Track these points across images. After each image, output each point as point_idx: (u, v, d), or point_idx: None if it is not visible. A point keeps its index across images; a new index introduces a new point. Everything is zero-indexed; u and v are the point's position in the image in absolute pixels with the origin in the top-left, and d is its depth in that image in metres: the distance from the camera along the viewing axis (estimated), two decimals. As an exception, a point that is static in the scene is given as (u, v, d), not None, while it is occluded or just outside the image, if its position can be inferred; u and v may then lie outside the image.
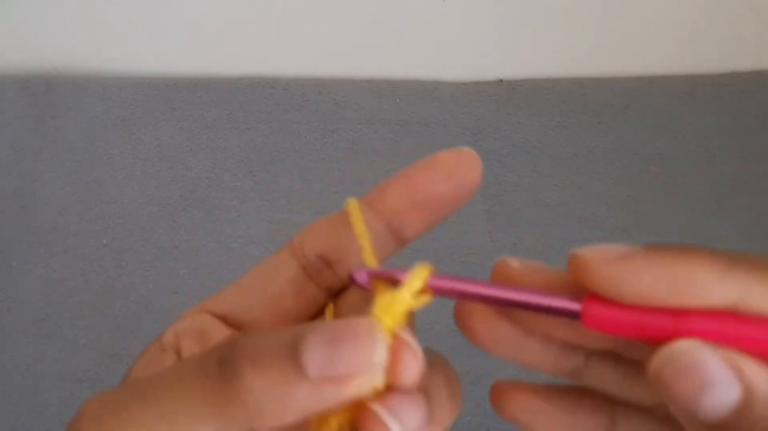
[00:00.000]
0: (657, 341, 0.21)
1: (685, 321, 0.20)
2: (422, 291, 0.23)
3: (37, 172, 0.71)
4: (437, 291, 0.23)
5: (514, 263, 0.24)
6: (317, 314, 0.27)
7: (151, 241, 0.67)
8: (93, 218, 0.68)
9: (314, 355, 0.20)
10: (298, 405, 0.20)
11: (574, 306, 0.22)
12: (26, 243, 0.67)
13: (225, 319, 0.26)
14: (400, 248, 0.26)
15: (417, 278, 0.23)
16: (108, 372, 0.61)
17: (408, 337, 0.21)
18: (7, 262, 0.66)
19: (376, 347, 0.20)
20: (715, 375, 0.20)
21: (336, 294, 0.27)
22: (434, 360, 0.23)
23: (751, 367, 0.20)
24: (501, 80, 0.77)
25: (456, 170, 0.25)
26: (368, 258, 0.25)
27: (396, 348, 0.21)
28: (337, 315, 0.26)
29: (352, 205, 0.27)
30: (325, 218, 0.27)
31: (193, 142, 0.72)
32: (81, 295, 0.64)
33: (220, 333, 0.26)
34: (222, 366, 0.20)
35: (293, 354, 0.20)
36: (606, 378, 0.25)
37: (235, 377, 0.20)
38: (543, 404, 0.26)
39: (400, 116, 0.74)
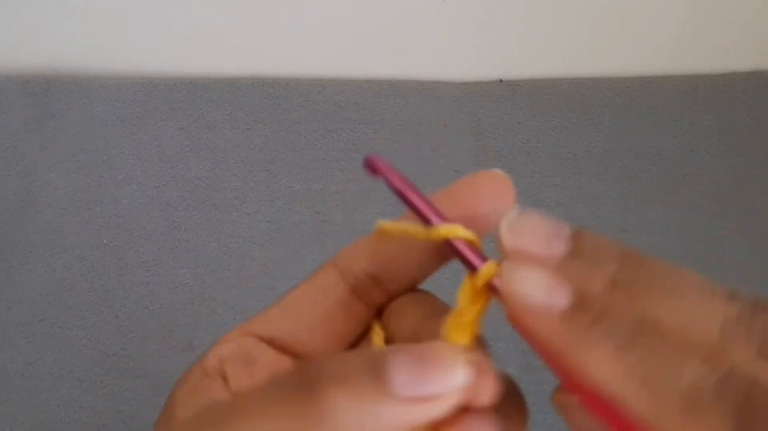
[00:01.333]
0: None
1: None
2: (483, 291, 0.24)
3: (37, 172, 0.71)
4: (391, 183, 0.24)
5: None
6: (364, 334, 0.27)
7: (151, 241, 0.67)
8: (93, 218, 0.68)
9: (401, 375, 0.20)
10: (380, 425, 0.20)
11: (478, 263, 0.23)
12: (26, 243, 0.67)
13: (271, 342, 0.26)
14: (443, 265, 0.26)
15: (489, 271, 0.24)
16: (108, 372, 0.61)
17: (484, 359, 0.22)
18: (7, 262, 0.66)
19: (462, 370, 0.21)
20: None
21: (379, 313, 0.27)
22: (502, 379, 0.23)
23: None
24: (501, 80, 0.77)
25: (496, 191, 0.26)
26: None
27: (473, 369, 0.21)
28: (387, 332, 0.26)
29: (388, 224, 0.26)
30: (365, 237, 0.27)
31: (193, 142, 0.72)
32: (81, 295, 0.64)
33: (267, 356, 0.25)
34: (304, 387, 0.20)
35: (378, 374, 0.20)
36: None
37: (319, 397, 0.20)
38: None
39: (400, 116, 0.74)
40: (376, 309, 0.27)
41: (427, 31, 0.76)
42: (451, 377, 0.20)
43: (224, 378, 0.25)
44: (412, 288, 0.27)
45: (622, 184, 0.70)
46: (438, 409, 0.20)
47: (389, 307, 0.27)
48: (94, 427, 0.59)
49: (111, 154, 0.72)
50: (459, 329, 0.23)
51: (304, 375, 0.21)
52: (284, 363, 0.26)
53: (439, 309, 0.25)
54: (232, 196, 0.69)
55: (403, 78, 0.77)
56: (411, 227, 0.25)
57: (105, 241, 0.67)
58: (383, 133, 0.73)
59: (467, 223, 0.25)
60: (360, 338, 0.27)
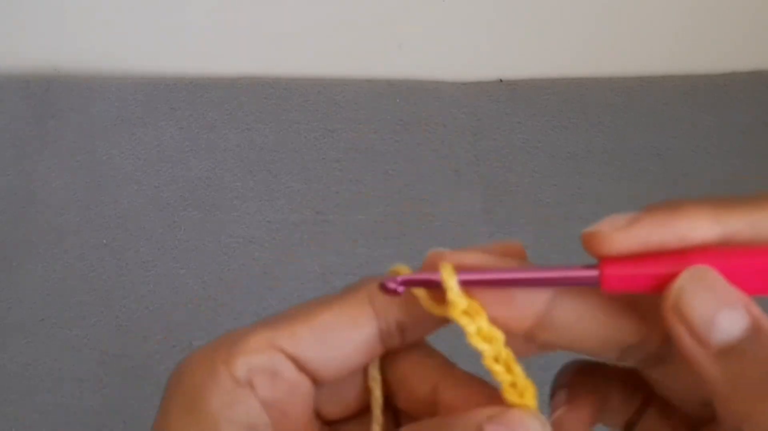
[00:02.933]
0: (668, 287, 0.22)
1: (691, 257, 0.22)
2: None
3: (37, 172, 0.71)
4: (468, 285, 0.24)
5: (444, 251, 0.25)
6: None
7: (151, 241, 0.67)
8: (93, 218, 0.68)
9: None
10: None
11: (591, 272, 0.23)
12: (26, 243, 0.67)
13: (295, 360, 0.26)
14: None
15: (448, 274, 0.24)
16: (108, 372, 0.61)
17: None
18: (7, 262, 0.66)
19: None
20: (731, 297, 0.22)
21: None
22: None
23: (753, 304, 0.22)
24: (501, 80, 0.77)
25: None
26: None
27: None
28: (385, 383, 0.27)
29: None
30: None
31: (193, 142, 0.72)
32: (81, 295, 0.64)
33: (291, 376, 0.26)
34: None
35: None
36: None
37: None
38: None
39: (400, 116, 0.74)
40: (390, 351, 0.27)
41: (427, 31, 0.76)
42: None
43: (252, 387, 0.25)
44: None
45: (622, 184, 0.70)
46: None
47: (400, 364, 0.28)
48: (94, 427, 0.59)
49: (111, 154, 0.72)
50: (516, 391, 0.24)
51: None
52: (303, 381, 0.26)
53: (448, 365, 0.27)
54: (232, 195, 0.69)
55: (403, 78, 0.77)
56: (423, 300, 0.26)
57: (105, 241, 0.67)
58: (383, 133, 0.73)
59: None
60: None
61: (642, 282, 0.23)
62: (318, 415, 0.28)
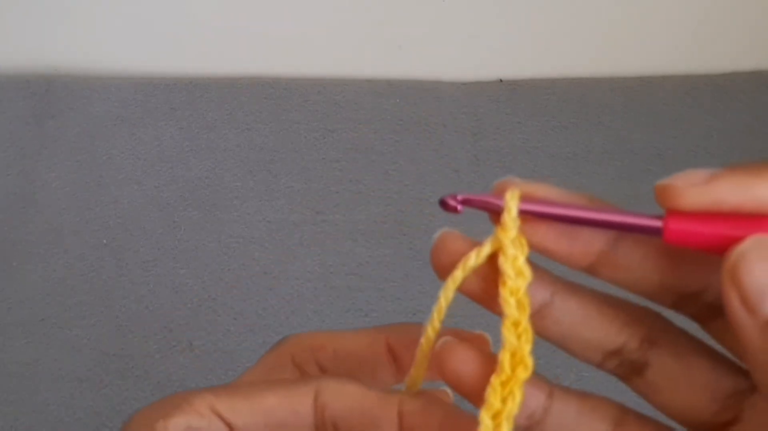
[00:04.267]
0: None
1: (760, 224, 0.22)
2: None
3: (37, 172, 0.71)
4: (528, 214, 0.24)
5: (516, 179, 0.25)
6: None
7: (151, 241, 0.67)
8: (93, 218, 0.68)
9: None
10: None
11: (655, 222, 0.23)
12: (26, 243, 0.67)
13: (229, 426, 0.26)
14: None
15: (514, 199, 0.24)
16: (108, 372, 0.61)
17: None
18: (7, 262, 0.66)
19: None
20: None
21: None
22: None
23: None
24: (501, 80, 0.77)
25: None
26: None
27: None
28: None
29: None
30: (357, 389, 0.27)
31: (193, 142, 0.72)
32: (81, 295, 0.64)
33: None
34: None
35: None
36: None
37: None
38: None
39: (400, 116, 0.74)
40: None
41: (427, 31, 0.76)
42: None
43: None
44: None
45: (622, 184, 0.70)
46: None
47: None
48: (94, 427, 0.59)
49: (111, 154, 0.72)
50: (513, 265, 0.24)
51: None
52: None
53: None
54: (232, 196, 0.69)
55: (403, 78, 0.77)
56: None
57: (105, 241, 0.67)
58: (383, 133, 0.73)
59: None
60: None
61: (706, 240, 0.22)
62: None
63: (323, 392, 0.26)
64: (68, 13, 0.75)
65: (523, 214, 0.24)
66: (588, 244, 0.24)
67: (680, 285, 0.24)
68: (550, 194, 0.25)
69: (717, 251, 0.22)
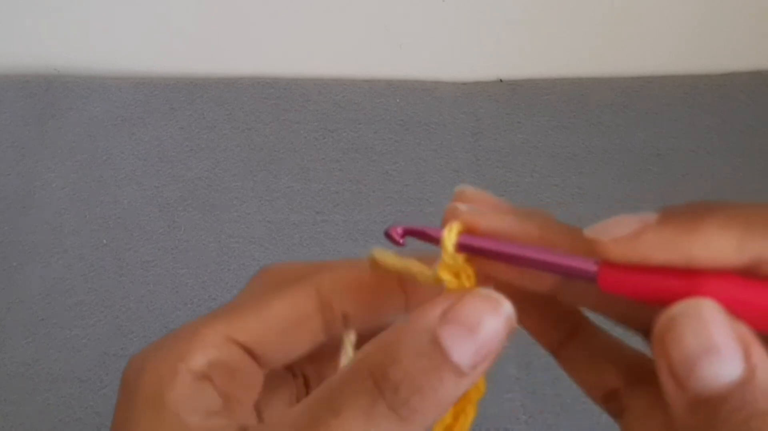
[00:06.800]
0: (669, 303, 0.20)
1: (699, 282, 0.20)
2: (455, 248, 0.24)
3: (37, 171, 0.71)
4: (465, 250, 0.24)
5: (463, 208, 0.24)
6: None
7: (151, 241, 0.67)
8: (93, 218, 0.68)
9: (464, 353, 0.21)
10: (454, 400, 0.22)
11: (590, 267, 0.22)
12: (26, 244, 0.67)
13: (250, 352, 0.26)
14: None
15: (452, 234, 0.23)
16: (108, 372, 0.61)
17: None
18: (7, 262, 0.66)
19: (506, 312, 0.22)
20: (724, 342, 0.19)
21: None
22: None
23: (758, 350, 0.20)
24: (501, 80, 0.77)
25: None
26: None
27: None
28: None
29: (386, 256, 0.26)
30: (351, 268, 0.27)
31: (193, 142, 0.72)
32: (81, 295, 0.64)
33: (246, 367, 0.26)
34: (389, 400, 0.21)
35: (444, 361, 0.21)
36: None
37: (405, 408, 0.21)
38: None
39: (400, 116, 0.74)
40: (334, 337, 0.27)
41: (427, 31, 0.76)
42: (500, 326, 0.21)
43: (213, 383, 0.25)
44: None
45: (622, 184, 0.70)
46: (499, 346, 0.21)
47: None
48: (94, 427, 0.59)
49: (111, 154, 0.72)
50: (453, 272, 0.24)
51: (386, 390, 0.21)
52: (255, 369, 0.26)
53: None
54: (232, 196, 0.69)
55: (403, 78, 0.77)
56: (412, 265, 0.25)
57: (105, 241, 0.67)
58: (383, 133, 0.73)
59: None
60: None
61: (640, 292, 0.21)
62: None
63: (323, 284, 0.26)
64: (68, 14, 0.75)
65: (461, 250, 0.23)
66: (538, 278, 0.24)
67: (632, 320, 0.24)
68: (496, 224, 0.24)
69: (654, 302, 0.21)
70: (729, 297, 0.20)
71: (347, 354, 0.27)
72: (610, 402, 0.26)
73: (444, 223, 0.24)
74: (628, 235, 0.21)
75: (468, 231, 0.24)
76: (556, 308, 0.26)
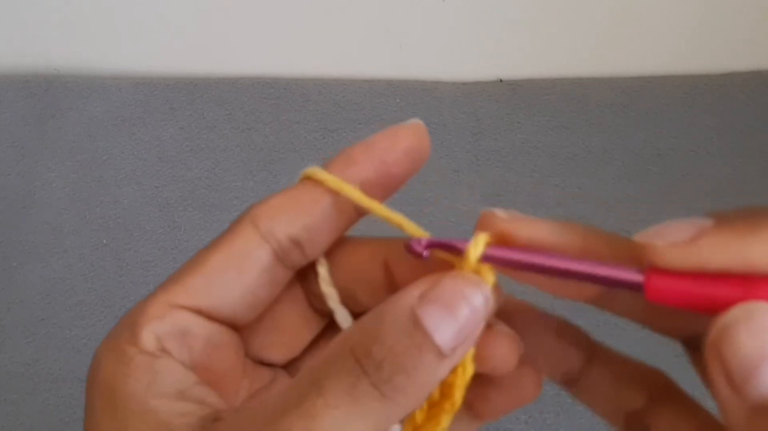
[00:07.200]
0: (721, 310, 0.20)
1: (754, 287, 0.19)
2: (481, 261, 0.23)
3: (37, 171, 0.71)
4: (494, 261, 0.23)
5: (502, 214, 0.24)
6: (283, 292, 0.27)
7: (151, 241, 0.67)
8: (93, 218, 0.68)
9: (444, 333, 0.21)
10: (436, 381, 0.22)
11: (636, 277, 0.21)
12: (26, 243, 0.67)
13: (199, 312, 0.25)
14: (359, 220, 0.27)
15: (479, 245, 0.23)
16: (108, 372, 0.61)
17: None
18: (7, 262, 0.66)
19: (484, 294, 0.22)
20: None
21: (301, 272, 0.27)
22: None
23: None
24: (501, 80, 0.77)
25: (415, 145, 0.27)
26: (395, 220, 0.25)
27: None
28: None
29: (322, 175, 0.26)
30: (284, 194, 0.26)
31: (193, 142, 0.72)
32: (81, 295, 0.64)
33: (201, 329, 0.25)
34: (372, 378, 0.21)
35: (430, 345, 0.21)
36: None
37: (388, 386, 0.21)
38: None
39: (400, 116, 0.74)
40: (296, 269, 0.26)
41: (427, 31, 0.76)
42: (478, 304, 0.21)
43: (170, 356, 0.24)
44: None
45: (622, 183, 0.70)
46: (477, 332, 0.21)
47: (346, 256, 0.27)
48: (94, 427, 0.59)
49: (111, 154, 0.72)
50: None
51: (368, 369, 0.21)
52: (218, 331, 0.25)
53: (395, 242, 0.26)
54: (232, 196, 0.69)
55: (403, 78, 0.77)
56: (346, 187, 0.25)
57: (105, 241, 0.67)
58: (383, 133, 0.73)
59: (385, 179, 0.26)
60: (282, 295, 0.27)
61: (691, 301, 0.20)
62: (265, 362, 0.28)
63: (261, 222, 0.25)
64: (68, 13, 0.75)
65: (488, 261, 0.23)
66: (578, 286, 0.23)
67: (679, 329, 0.23)
68: (535, 233, 0.23)
69: (704, 310, 0.20)
70: None
71: (325, 280, 0.26)
72: (632, 423, 0.25)
73: (477, 229, 0.24)
74: (686, 240, 0.20)
75: (503, 241, 0.23)
76: (569, 338, 0.26)
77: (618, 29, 0.76)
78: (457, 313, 0.21)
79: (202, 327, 0.25)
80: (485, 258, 0.23)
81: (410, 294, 0.21)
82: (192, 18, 0.75)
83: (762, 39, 0.77)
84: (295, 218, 0.25)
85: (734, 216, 0.20)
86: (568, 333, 0.26)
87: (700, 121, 0.74)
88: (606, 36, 0.76)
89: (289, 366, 0.28)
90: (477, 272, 0.23)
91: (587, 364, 0.26)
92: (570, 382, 0.26)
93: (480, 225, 0.24)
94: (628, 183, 0.70)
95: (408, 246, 0.24)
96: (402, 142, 0.27)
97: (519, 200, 0.69)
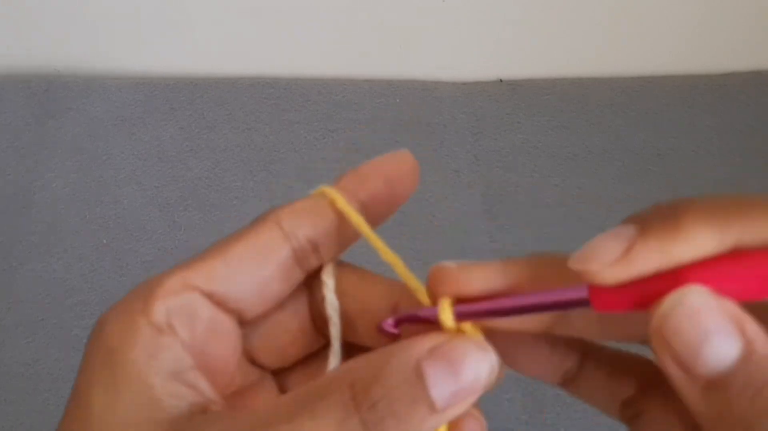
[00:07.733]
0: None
1: (683, 275, 0.20)
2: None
3: (37, 171, 0.71)
4: (462, 318, 0.24)
5: (451, 265, 0.24)
6: (290, 302, 0.27)
7: (151, 241, 0.67)
8: (93, 218, 0.68)
9: (442, 390, 0.21)
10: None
11: (581, 293, 0.22)
12: (26, 243, 0.67)
13: (211, 296, 0.25)
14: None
15: (446, 311, 0.23)
16: (108, 372, 0.61)
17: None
18: (7, 262, 0.66)
19: (490, 361, 0.22)
20: (719, 323, 0.20)
21: (312, 275, 0.27)
22: None
23: (751, 324, 0.20)
24: (501, 80, 0.77)
25: (413, 169, 0.29)
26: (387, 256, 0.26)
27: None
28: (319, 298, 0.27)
29: (334, 194, 0.27)
30: (304, 201, 0.27)
31: (193, 142, 0.72)
32: (81, 295, 0.64)
33: (206, 312, 0.25)
34: (363, 416, 0.21)
35: (425, 399, 0.21)
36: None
37: (377, 427, 0.21)
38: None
39: (400, 116, 0.74)
40: (309, 272, 0.27)
41: (427, 31, 0.76)
42: (483, 373, 0.22)
43: (174, 332, 0.24)
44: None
45: (622, 184, 0.70)
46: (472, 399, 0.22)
47: (356, 283, 0.27)
48: (94, 427, 0.59)
49: (111, 154, 0.72)
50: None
51: (363, 411, 0.21)
52: (223, 319, 0.26)
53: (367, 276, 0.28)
54: (232, 196, 0.69)
55: (403, 78, 0.77)
56: (354, 215, 0.26)
57: (105, 241, 0.67)
58: (383, 133, 0.73)
59: (391, 198, 0.27)
60: (292, 296, 0.27)
61: (634, 303, 0.21)
62: (257, 363, 0.28)
63: (285, 222, 0.26)
64: (68, 13, 0.75)
65: (461, 319, 0.24)
66: (535, 318, 0.24)
67: (640, 332, 0.24)
68: (483, 284, 0.24)
69: (648, 308, 0.21)
70: (711, 279, 0.20)
71: (328, 288, 0.27)
72: (626, 410, 0.26)
73: (429, 284, 0.24)
74: (616, 256, 0.21)
75: (459, 300, 0.24)
76: (562, 343, 0.27)
77: (618, 29, 0.76)
78: (460, 375, 0.22)
79: (209, 311, 0.25)
80: (458, 317, 0.24)
81: (420, 346, 0.22)
82: (192, 18, 0.75)
83: (762, 39, 0.77)
84: (316, 221, 0.26)
85: (652, 218, 0.22)
86: (560, 338, 0.26)
87: (700, 121, 0.74)
88: (606, 36, 0.77)
89: (278, 374, 0.29)
90: (462, 332, 0.24)
91: (581, 363, 0.27)
92: (567, 382, 0.27)
93: (432, 280, 0.24)
94: (628, 183, 0.70)
95: (380, 328, 0.25)
96: (405, 165, 0.29)
97: (519, 200, 0.69)
